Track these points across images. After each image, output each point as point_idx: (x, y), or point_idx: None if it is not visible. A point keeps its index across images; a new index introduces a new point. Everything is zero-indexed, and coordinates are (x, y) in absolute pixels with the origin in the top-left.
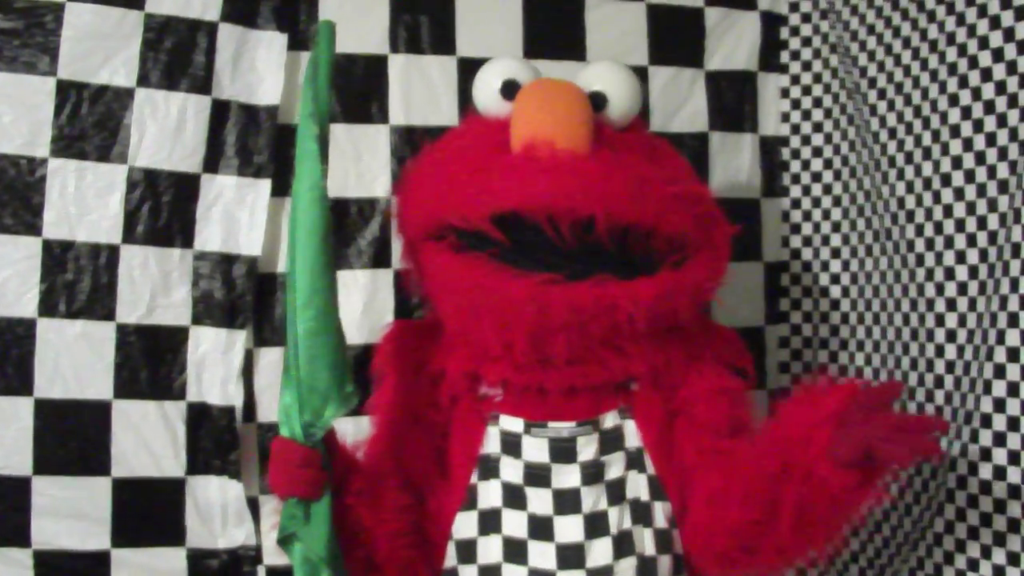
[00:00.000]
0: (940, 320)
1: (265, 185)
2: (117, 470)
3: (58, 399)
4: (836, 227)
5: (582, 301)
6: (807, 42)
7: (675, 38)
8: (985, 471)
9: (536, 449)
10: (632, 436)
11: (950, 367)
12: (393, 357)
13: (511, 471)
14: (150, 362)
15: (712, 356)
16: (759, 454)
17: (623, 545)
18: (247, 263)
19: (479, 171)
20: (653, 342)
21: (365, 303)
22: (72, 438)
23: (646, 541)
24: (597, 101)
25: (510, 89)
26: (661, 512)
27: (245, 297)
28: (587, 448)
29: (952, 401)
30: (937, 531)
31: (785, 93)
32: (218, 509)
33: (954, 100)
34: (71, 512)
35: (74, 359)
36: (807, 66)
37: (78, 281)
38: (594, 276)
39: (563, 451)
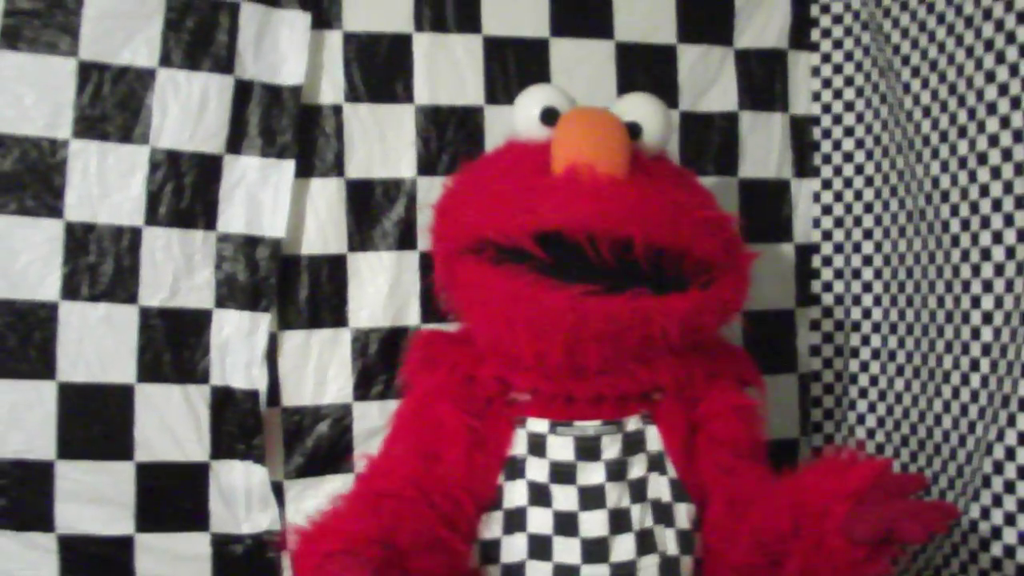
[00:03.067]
0: (976, 302)
1: (289, 166)
2: (140, 454)
3: (81, 383)
4: (868, 208)
5: (619, 312)
6: (838, 19)
7: (704, 16)
8: (1023, 456)
9: (561, 448)
10: (654, 440)
11: (986, 350)
12: (423, 364)
13: (537, 471)
14: (173, 345)
15: (729, 373)
16: (774, 509)
17: (645, 542)
18: (271, 245)
19: (522, 190)
20: (678, 357)
21: (391, 285)
22: (95, 422)
23: (668, 541)
24: (633, 130)
25: (550, 116)
26: (684, 513)
27: (269, 280)
28: (611, 447)
29: (988, 384)
30: (972, 517)
31: (816, 72)
32: (242, 494)
33: (991, 76)
34: (95, 496)
35: (97, 342)
36: (838, 44)
37: (100, 264)
38: (630, 291)
39: (588, 449)
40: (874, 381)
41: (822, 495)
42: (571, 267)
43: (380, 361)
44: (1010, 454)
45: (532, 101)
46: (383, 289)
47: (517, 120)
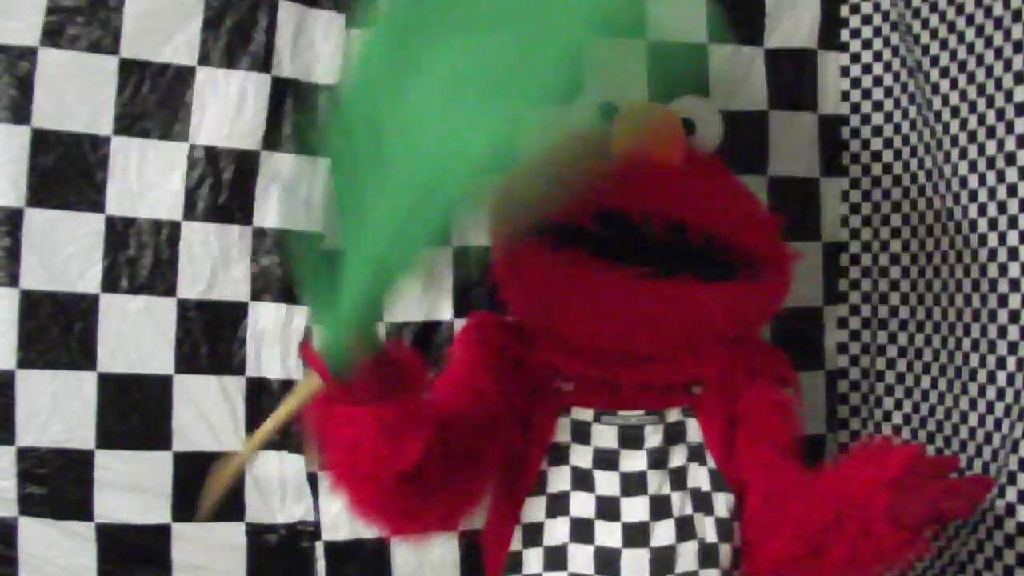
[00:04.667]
0: (1003, 301)
1: (323, 163)
2: (178, 444)
3: (120, 373)
4: (896, 207)
5: (670, 295)
6: (867, 20)
7: (734, 16)
8: None
9: (605, 436)
10: (694, 432)
11: (1012, 348)
12: (475, 342)
13: (580, 457)
14: (210, 337)
15: (769, 371)
16: (814, 501)
17: (685, 529)
18: (307, 239)
19: (582, 173)
20: (721, 350)
21: (424, 280)
22: (134, 412)
23: (707, 528)
24: (687, 126)
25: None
26: (723, 503)
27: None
28: (653, 436)
29: (1015, 382)
30: (998, 514)
31: (845, 72)
32: (277, 484)
33: (1019, 78)
34: (133, 486)
35: (136, 334)
36: (867, 44)
37: (140, 257)
38: (681, 275)
39: (631, 437)
40: (900, 379)
41: (862, 485)
42: (625, 248)
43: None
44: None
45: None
46: (416, 284)
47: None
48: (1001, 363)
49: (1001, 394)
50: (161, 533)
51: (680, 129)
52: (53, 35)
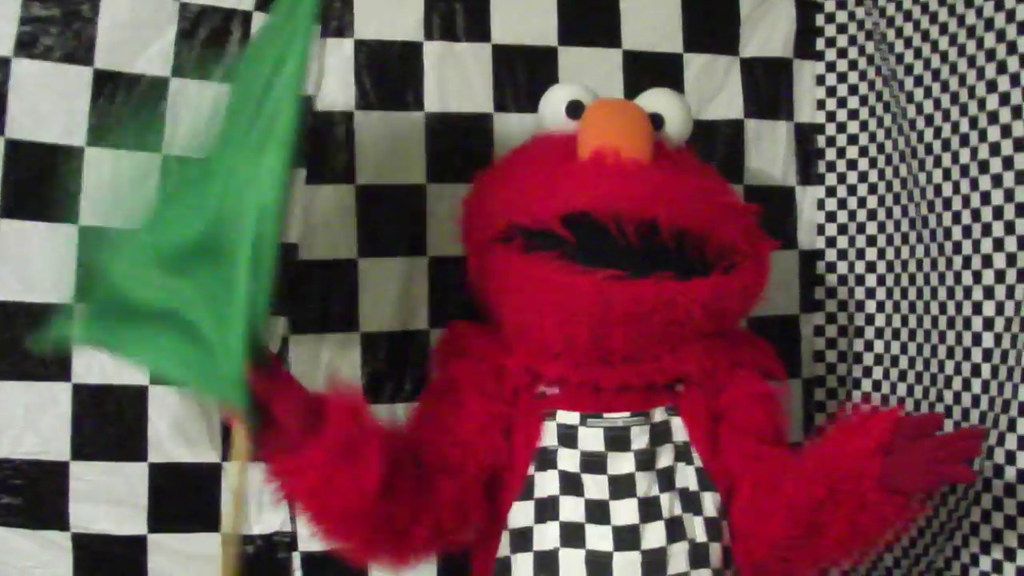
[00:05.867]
0: (977, 308)
1: (300, 174)
2: (153, 455)
3: (95, 384)
4: (872, 215)
5: (644, 295)
6: (843, 29)
7: (710, 25)
8: (1023, 460)
9: (592, 439)
10: (679, 431)
11: (987, 355)
12: (454, 352)
13: (568, 461)
14: None
15: (751, 363)
16: (805, 479)
17: (675, 530)
18: (283, 250)
19: (550, 176)
20: (702, 345)
21: (400, 291)
22: (109, 423)
23: (696, 528)
24: (656, 121)
25: (575, 109)
26: (710, 501)
27: (281, 285)
28: (640, 437)
29: (989, 390)
30: (973, 520)
31: (820, 80)
32: (254, 495)
33: (992, 86)
34: (108, 497)
35: None
36: (843, 53)
37: None
38: (655, 274)
39: (618, 440)
40: (877, 386)
41: (851, 457)
42: (597, 252)
43: (389, 366)
44: (1010, 458)
45: (559, 96)
46: (392, 295)
47: (544, 115)
48: (976, 370)
49: (976, 401)
50: (137, 543)
51: (648, 125)
52: (27, 45)
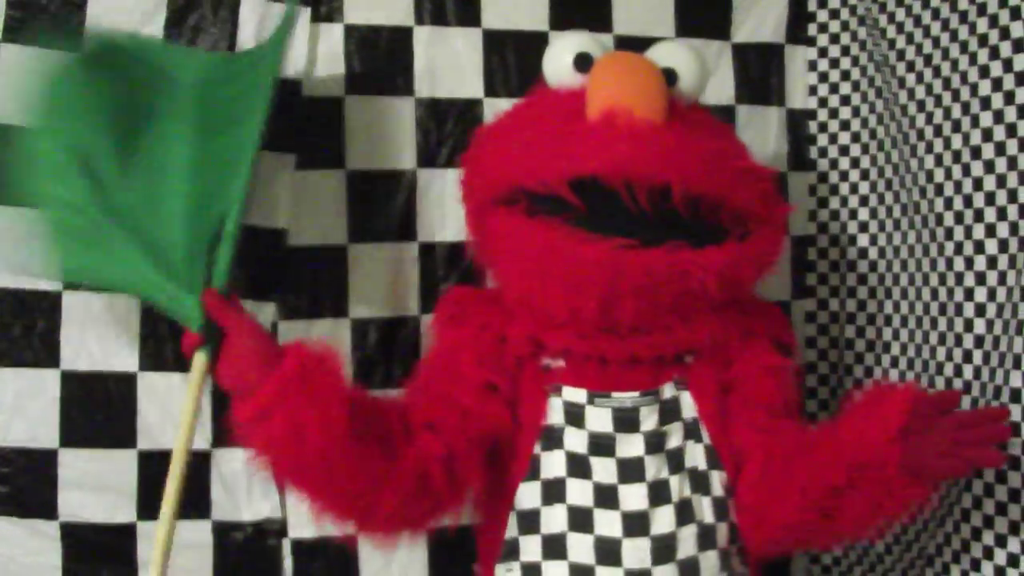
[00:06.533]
0: (969, 294)
1: (290, 159)
2: (143, 442)
3: (84, 371)
4: (864, 201)
5: (656, 265)
6: (835, 14)
7: (702, 10)
8: (1015, 447)
9: (600, 419)
10: (688, 407)
11: (979, 341)
12: (453, 319)
13: (575, 441)
14: (176, 334)
15: (764, 332)
16: (820, 467)
17: (684, 513)
18: (273, 236)
19: (557, 136)
20: (715, 314)
21: (390, 277)
22: (98, 410)
23: (705, 509)
24: (669, 77)
25: (583, 61)
26: (718, 481)
27: (271, 270)
28: (649, 418)
29: (981, 376)
30: (965, 507)
31: (812, 66)
32: (243, 482)
33: (984, 72)
34: (97, 484)
35: (100, 331)
36: (835, 39)
37: None
38: (667, 243)
39: (627, 421)
40: (869, 373)
41: (871, 446)
42: (607, 218)
43: (379, 351)
44: (1001, 444)
45: (564, 47)
46: (382, 281)
47: (549, 67)
48: (968, 356)
49: (968, 387)
50: (126, 531)
51: (662, 82)
52: (13, 31)
